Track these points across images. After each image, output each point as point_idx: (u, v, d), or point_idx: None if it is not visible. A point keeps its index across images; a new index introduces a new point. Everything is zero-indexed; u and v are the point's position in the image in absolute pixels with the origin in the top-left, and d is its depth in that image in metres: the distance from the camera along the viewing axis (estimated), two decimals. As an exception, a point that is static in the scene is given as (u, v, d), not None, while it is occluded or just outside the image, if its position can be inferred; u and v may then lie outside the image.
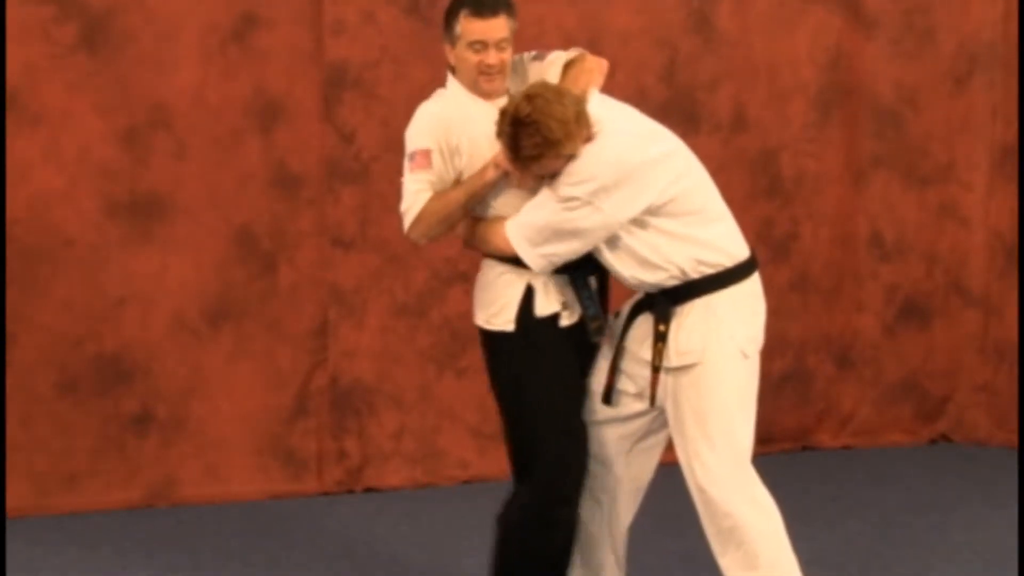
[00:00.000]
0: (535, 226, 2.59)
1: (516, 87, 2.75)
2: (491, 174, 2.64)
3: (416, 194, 2.69)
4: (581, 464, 2.69)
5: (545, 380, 2.68)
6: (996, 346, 4.60)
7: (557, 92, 2.56)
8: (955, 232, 4.59)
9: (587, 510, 2.81)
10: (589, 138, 2.57)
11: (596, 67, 2.77)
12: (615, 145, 2.57)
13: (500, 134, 2.56)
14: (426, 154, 2.68)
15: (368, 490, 4.14)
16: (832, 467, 4.33)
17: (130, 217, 3.91)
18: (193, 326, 4.00)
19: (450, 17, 2.70)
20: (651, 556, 3.28)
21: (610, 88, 4.25)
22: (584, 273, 2.70)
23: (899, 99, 4.49)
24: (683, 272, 2.61)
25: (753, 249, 2.77)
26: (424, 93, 4.09)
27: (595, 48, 4.18)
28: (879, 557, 3.42)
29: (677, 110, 4.31)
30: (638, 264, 2.62)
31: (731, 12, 4.32)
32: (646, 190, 2.56)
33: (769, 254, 4.38)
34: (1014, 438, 4.53)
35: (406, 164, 2.72)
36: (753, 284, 2.71)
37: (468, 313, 4.14)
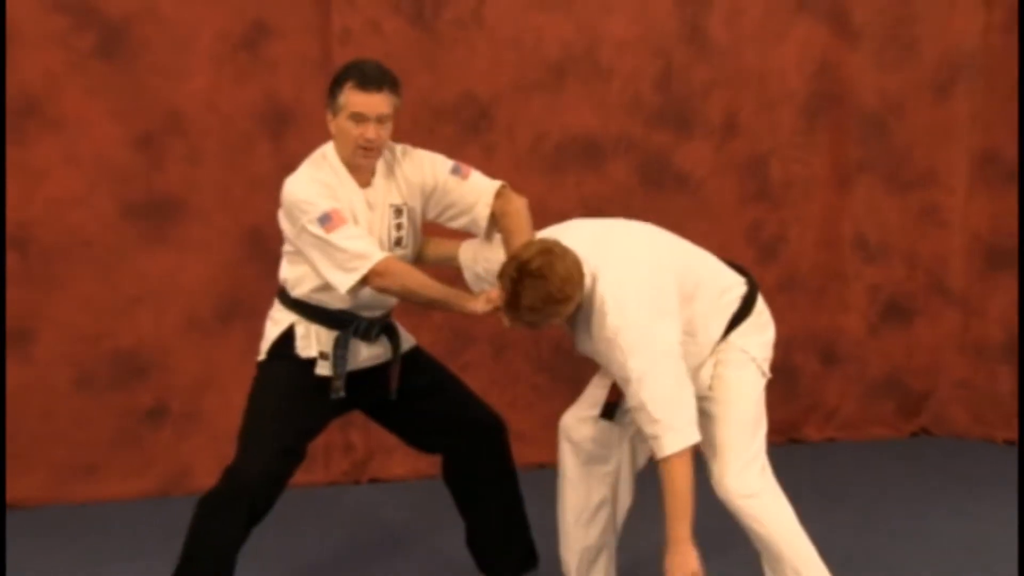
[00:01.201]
0: (674, 401, 2.46)
1: (426, 200, 2.73)
2: (481, 307, 2.54)
3: (368, 245, 2.57)
4: (264, 473, 2.67)
5: (272, 404, 2.70)
6: (975, 344, 4.61)
7: (563, 250, 2.46)
8: (936, 235, 4.59)
9: (592, 492, 2.82)
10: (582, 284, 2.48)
11: (525, 207, 2.73)
12: (627, 290, 2.48)
13: (502, 278, 2.48)
14: (338, 212, 2.57)
15: (373, 480, 4.15)
16: (818, 459, 4.33)
17: (145, 219, 3.91)
18: (205, 323, 4.01)
19: (335, 87, 2.62)
20: (643, 542, 3.28)
21: (607, 96, 4.30)
22: (347, 337, 2.70)
23: (883, 107, 4.50)
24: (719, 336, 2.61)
25: (746, 269, 2.76)
26: (427, 100, 4.14)
27: (592, 57, 4.24)
28: (862, 545, 3.43)
29: (671, 116, 4.33)
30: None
31: (723, 23, 4.32)
32: (669, 291, 2.52)
33: (758, 255, 4.41)
34: (992, 432, 4.56)
35: (317, 228, 2.55)
36: (758, 309, 2.69)
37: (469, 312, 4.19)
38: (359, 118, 2.58)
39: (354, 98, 2.58)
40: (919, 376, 4.66)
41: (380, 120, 2.60)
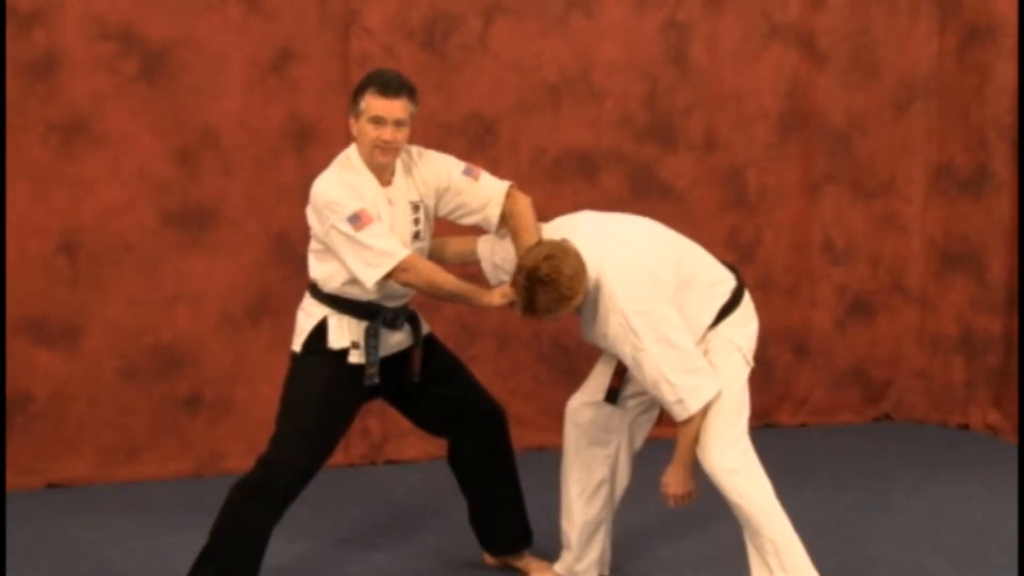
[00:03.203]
0: (690, 367, 2.49)
1: (439, 198, 2.71)
2: (496, 301, 2.57)
3: (393, 243, 2.56)
4: (300, 465, 2.67)
5: (310, 402, 2.68)
6: (931, 338, 4.64)
7: (563, 249, 2.47)
8: (896, 239, 4.62)
9: (593, 472, 2.83)
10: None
11: (530, 205, 2.71)
12: (631, 275, 2.50)
13: (515, 286, 2.48)
14: (365, 211, 2.55)
15: (388, 462, 4.14)
16: (790, 442, 4.34)
17: (183, 225, 3.92)
18: (237, 320, 4.02)
19: (358, 93, 2.62)
20: (636, 518, 3.30)
21: (600, 114, 4.32)
22: (377, 326, 2.69)
23: (848, 124, 4.52)
24: (707, 327, 2.62)
25: (736, 268, 2.77)
26: (437, 118, 4.14)
27: (586, 78, 4.26)
28: (831, 519, 3.45)
29: (657, 132, 4.35)
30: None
31: (703, 48, 4.35)
32: (668, 277, 2.54)
33: (736, 257, 4.41)
34: (946, 417, 4.59)
35: (346, 227, 2.53)
36: (745, 303, 2.71)
37: (477, 309, 4.18)
38: (378, 121, 2.57)
39: (374, 103, 2.57)
40: (881, 367, 4.68)
41: (397, 124, 2.59)
